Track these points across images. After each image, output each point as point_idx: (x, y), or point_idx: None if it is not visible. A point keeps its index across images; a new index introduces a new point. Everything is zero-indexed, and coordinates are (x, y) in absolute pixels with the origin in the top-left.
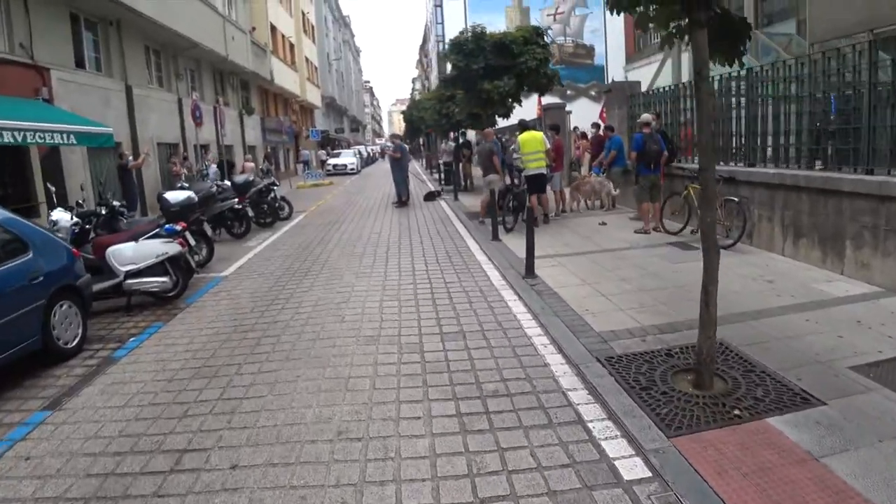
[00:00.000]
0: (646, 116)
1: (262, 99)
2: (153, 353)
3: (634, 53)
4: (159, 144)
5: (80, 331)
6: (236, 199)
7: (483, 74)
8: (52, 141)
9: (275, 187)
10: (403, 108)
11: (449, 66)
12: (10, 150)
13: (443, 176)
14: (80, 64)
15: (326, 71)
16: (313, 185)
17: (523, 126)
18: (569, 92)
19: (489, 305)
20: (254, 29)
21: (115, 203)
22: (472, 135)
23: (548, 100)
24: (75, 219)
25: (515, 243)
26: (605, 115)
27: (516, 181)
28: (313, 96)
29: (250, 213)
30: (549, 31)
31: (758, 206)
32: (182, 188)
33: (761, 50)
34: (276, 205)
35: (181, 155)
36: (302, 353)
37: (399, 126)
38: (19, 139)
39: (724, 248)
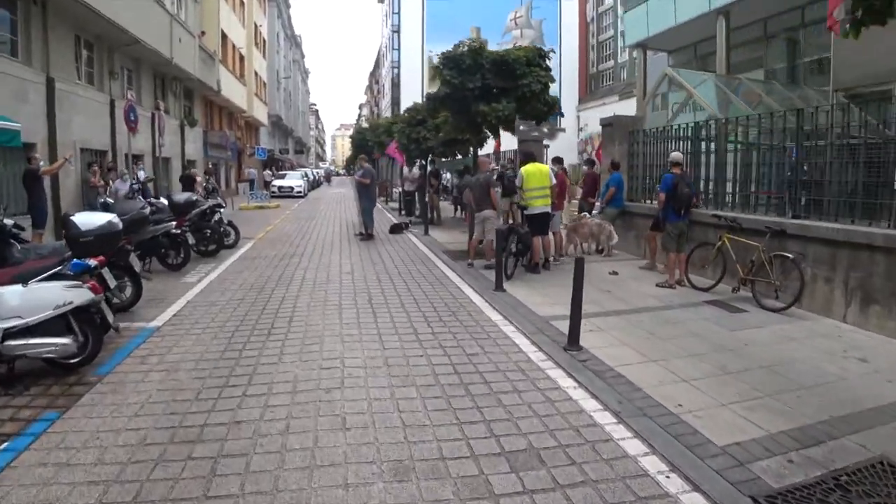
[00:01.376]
0: (676, 155)
1: (207, 111)
2: (28, 488)
3: (586, 95)
4: (84, 150)
5: None
6: (174, 223)
7: (479, 95)
8: None
9: (220, 209)
10: (348, 133)
11: (425, 88)
12: None
13: (403, 206)
14: None
15: (275, 88)
16: (257, 208)
17: (526, 156)
18: (521, 127)
19: (546, 398)
20: (203, 34)
21: (7, 222)
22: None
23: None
24: None
25: (523, 293)
26: (601, 151)
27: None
28: (260, 113)
29: (190, 241)
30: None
31: (813, 265)
32: (105, 206)
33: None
34: (221, 230)
35: (105, 164)
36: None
37: (343, 151)
38: None
39: (775, 311)
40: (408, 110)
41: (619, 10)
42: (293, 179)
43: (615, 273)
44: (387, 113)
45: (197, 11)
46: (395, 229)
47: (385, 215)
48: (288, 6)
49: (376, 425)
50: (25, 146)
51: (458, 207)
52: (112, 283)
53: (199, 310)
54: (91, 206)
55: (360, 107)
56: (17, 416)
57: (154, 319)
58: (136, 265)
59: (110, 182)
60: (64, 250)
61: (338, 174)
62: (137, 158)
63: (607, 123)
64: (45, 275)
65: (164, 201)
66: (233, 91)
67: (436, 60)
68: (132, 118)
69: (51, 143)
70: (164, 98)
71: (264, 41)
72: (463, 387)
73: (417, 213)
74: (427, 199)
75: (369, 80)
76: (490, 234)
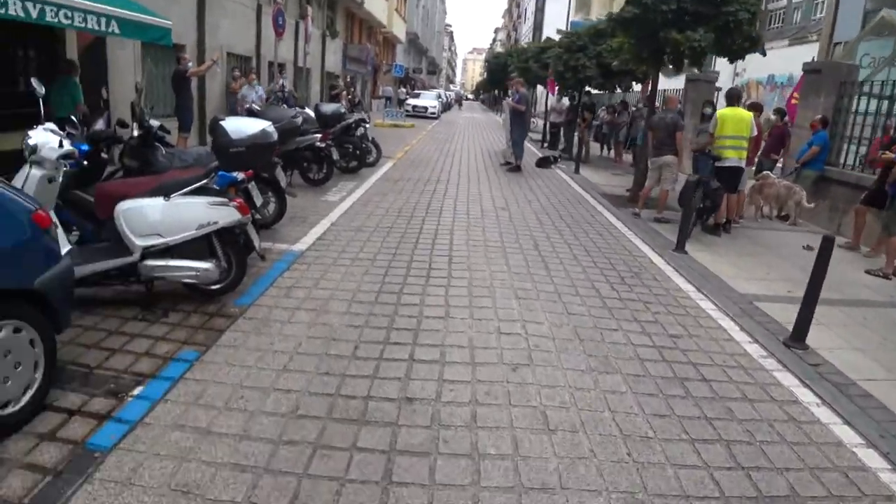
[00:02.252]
0: None
1: (347, 23)
2: (164, 462)
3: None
4: (229, 55)
5: (37, 378)
6: (319, 136)
7: (671, 20)
8: (82, 25)
9: (364, 124)
10: (481, 57)
11: (572, 15)
12: (40, 35)
13: (547, 138)
14: None
15: (414, 5)
16: (392, 125)
17: (729, 99)
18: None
19: (787, 415)
20: None
21: (154, 123)
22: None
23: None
24: (67, 146)
25: (709, 260)
26: (795, 101)
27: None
28: (398, 29)
29: (335, 156)
30: None
31: None
32: (250, 112)
33: None
34: (364, 146)
35: (248, 69)
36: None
37: (473, 76)
38: (34, 14)
39: None
40: (566, 34)
41: None
42: (428, 99)
43: (810, 248)
44: (526, 39)
45: None
46: (543, 163)
47: (527, 147)
48: None
49: (587, 430)
50: (175, 47)
51: (605, 146)
52: (259, 200)
53: (345, 235)
54: (233, 112)
55: (496, 31)
56: (153, 351)
57: (297, 242)
58: (282, 179)
59: (239, 88)
60: (209, 159)
61: (467, 98)
62: (281, 67)
63: (813, 69)
64: (190, 188)
65: (310, 111)
66: (375, 4)
67: None
68: (280, 23)
69: (199, 46)
70: (310, 5)
71: None
72: (679, 383)
73: (562, 147)
74: (578, 133)
75: (509, 4)
76: (668, 182)
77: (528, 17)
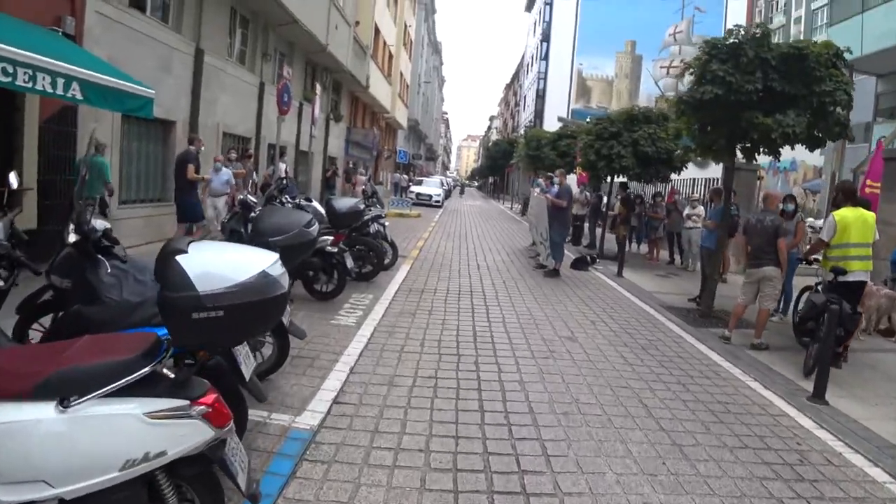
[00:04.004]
0: None
1: (351, 107)
2: None
3: None
4: (226, 135)
5: None
6: (331, 238)
7: (757, 101)
8: (28, 85)
9: (382, 220)
10: (474, 144)
11: (573, 102)
12: None
13: (571, 233)
14: (136, 2)
15: (416, 92)
16: (398, 215)
17: (847, 194)
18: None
19: None
20: (358, 23)
21: (98, 224)
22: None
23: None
24: None
25: (861, 412)
26: (870, 189)
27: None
28: (400, 115)
29: (349, 262)
30: (659, 85)
31: None
32: (245, 206)
33: None
34: (380, 246)
35: (242, 149)
36: None
37: (467, 162)
38: None
39: None
40: (597, 121)
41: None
42: (432, 187)
43: None
44: (525, 126)
45: (354, 0)
46: (579, 264)
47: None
48: (434, 11)
49: None
50: (163, 124)
51: (633, 240)
52: (248, 371)
53: (374, 393)
54: (190, 208)
55: (491, 118)
56: None
57: (304, 411)
58: (286, 314)
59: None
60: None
61: (467, 185)
62: (282, 150)
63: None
64: (118, 384)
65: (318, 206)
66: (379, 89)
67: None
68: (285, 100)
69: (192, 123)
70: (314, 88)
71: (411, 42)
72: None
73: (586, 242)
74: (618, 230)
75: (505, 92)
76: (768, 299)
77: (528, 104)
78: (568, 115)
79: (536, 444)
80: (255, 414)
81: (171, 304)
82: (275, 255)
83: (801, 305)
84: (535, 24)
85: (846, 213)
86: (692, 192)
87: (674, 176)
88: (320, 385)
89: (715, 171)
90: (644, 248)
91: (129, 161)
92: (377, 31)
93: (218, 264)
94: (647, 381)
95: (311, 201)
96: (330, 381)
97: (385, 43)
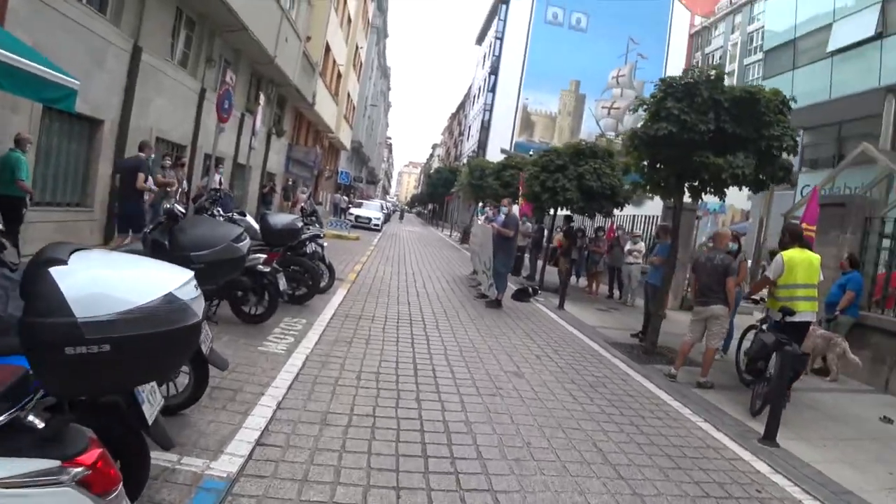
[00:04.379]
0: None
1: (295, 123)
2: None
3: None
4: (159, 140)
5: None
6: (263, 257)
7: (708, 141)
8: None
9: (321, 240)
10: (415, 170)
11: (516, 135)
12: None
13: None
14: None
15: (361, 115)
16: (336, 236)
17: (793, 236)
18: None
19: None
20: (309, 39)
21: None
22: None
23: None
24: None
25: (811, 453)
26: (807, 233)
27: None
28: (345, 136)
29: (281, 284)
30: (600, 124)
31: None
32: (171, 216)
33: None
34: (316, 268)
35: (175, 157)
36: None
37: (408, 188)
38: None
39: None
40: (545, 153)
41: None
42: (372, 210)
43: (889, 420)
44: (468, 156)
45: (307, 15)
46: (521, 295)
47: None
48: (386, 35)
49: None
50: (90, 122)
51: (573, 273)
52: (151, 412)
53: (304, 433)
54: (154, 211)
55: (434, 147)
56: None
57: (220, 455)
58: (206, 338)
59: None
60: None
61: (406, 211)
62: (218, 162)
63: (836, 203)
64: None
65: (252, 221)
66: (325, 108)
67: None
68: (226, 106)
69: (122, 124)
70: (258, 100)
71: (361, 64)
72: None
73: (526, 273)
74: (560, 263)
75: (449, 122)
76: (715, 338)
77: (472, 134)
78: (511, 148)
79: (488, 496)
80: (161, 458)
81: (36, 333)
82: (187, 274)
83: (744, 344)
84: (484, 56)
85: (794, 254)
86: (633, 228)
87: (616, 211)
88: (242, 423)
89: (650, 208)
90: (583, 281)
91: (47, 159)
92: (328, 48)
93: (108, 282)
94: (600, 423)
95: (245, 215)
96: (253, 417)
97: (335, 62)
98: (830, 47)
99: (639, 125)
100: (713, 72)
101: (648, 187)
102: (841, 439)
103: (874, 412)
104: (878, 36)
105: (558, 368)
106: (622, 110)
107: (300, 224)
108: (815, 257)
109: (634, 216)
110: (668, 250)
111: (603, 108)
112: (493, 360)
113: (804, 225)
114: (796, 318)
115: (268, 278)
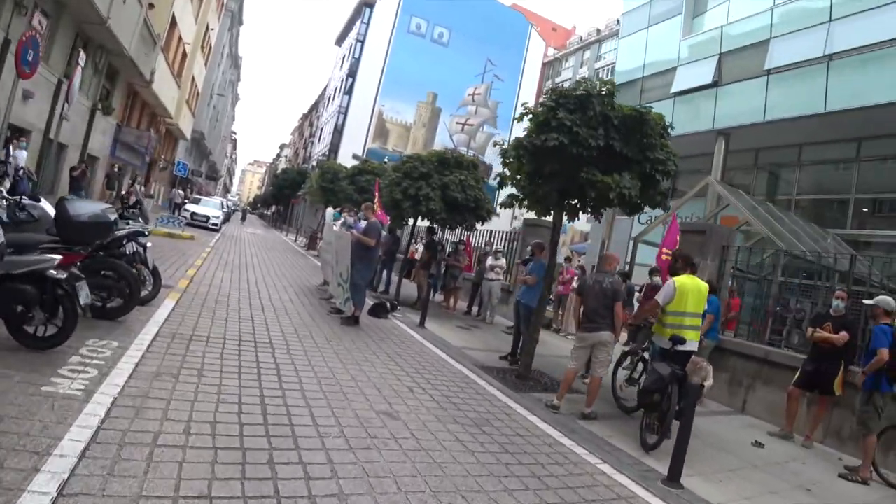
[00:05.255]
0: (887, 301)
1: (127, 102)
2: None
3: None
4: None
5: None
6: (57, 258)
7: (595, 158)
8: None
9: (143, 238)
10: (260, 170)
11: (370, 141)
12: None
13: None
14: None
15: (206, 103)
16: (167, 234)
17: (686, 262)
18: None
19: None
20: (152, 6)
21: None
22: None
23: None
24: None
25: (720, 496)
26: (666, 257)
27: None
28: (185, 124)
29: (83, 298)
30: (453, 139)
31: None
32: None
33: None
34: (136, 273)
35: None
36: None
37: (251, 188)
38: None
39: None
40: (408, 159)
41: None
42: (210, 208)
43: (760, 445)
44: (318, 158)
45: None
46: (378, 311)
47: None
48: (241, 22)
49: None
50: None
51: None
52: None
53: None
54: None
55: (282, 147)
56: None
57: None
58: None
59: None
60: None
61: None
62: (21, 134)
63: (697, 230)
64: None
65: (47, 206)
66: (164, 89)
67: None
68: (29, 58)
69: None
70: (81, 63)
71: (210, 47)
72: None
73: (381, 288)
74: (418, 277)
75: (301, 122)
76: (601, 366)
77: (324, 136)
78: (363, 154)
79: None
80: None
81: None
82: None
83: (620, 370)
84: (343, 58)
85: (686, 281)
86: (490, 243)
87: (478, 226)
88: None
89: (498, 223)
90: (440, 296)
91: None
92: (174, 22)
93: None
94: (500, 478)
95: (39, 200)
96: None
97: (181, 39)
98: (674, 89)
99: (523, 135)
100: (605, 88)
101: (527, 202)
102: (729, 470)
103: (744, 435)
104: (714, 84)
105: (435, 404)
106: (475, 127)
107: (113, 217)
108: (703, 286)
109: (492, 231)
110: (543, 269)
111: (457, 123)
112: (360, 397)
113: (664, 250)
114: (687, 348)
115: (63, 287)
